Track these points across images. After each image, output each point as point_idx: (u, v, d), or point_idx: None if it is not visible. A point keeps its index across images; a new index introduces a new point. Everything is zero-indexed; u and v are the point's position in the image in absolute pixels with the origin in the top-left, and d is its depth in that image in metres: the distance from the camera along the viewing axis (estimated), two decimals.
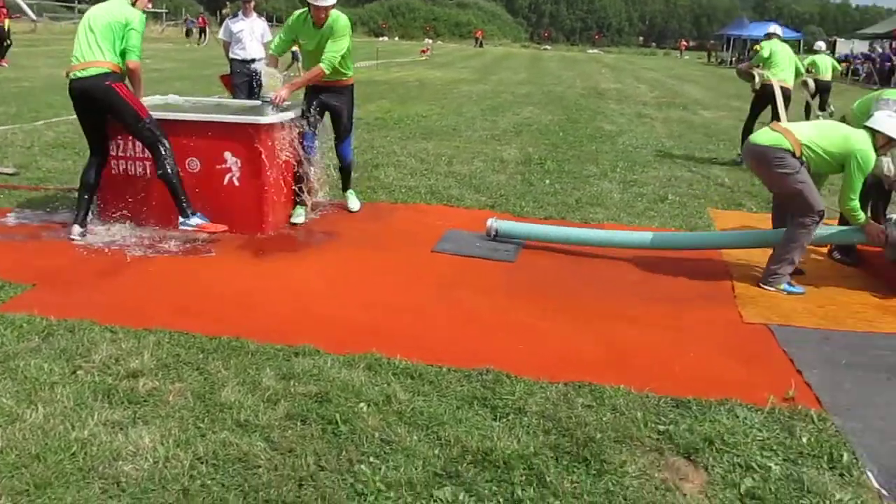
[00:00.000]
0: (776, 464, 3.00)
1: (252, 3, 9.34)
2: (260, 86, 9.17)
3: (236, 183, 5.71)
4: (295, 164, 6.15)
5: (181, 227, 5.46)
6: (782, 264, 5.11)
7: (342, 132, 6.41)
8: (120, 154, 5.72)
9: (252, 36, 8.99)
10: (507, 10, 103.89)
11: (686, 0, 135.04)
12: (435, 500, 2.68)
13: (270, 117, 5.73)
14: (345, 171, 6.66)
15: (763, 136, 5.25)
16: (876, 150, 4.98)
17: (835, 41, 56.09)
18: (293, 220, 6.16)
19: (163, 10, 54.95)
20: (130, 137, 5.56)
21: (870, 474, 2.98)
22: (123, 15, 5.31)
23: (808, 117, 13.71)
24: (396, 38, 69.23)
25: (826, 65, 14.44)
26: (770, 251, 5.31)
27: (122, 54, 5.30)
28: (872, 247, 5.43)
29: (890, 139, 4.98)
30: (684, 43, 76.04)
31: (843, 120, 5.85)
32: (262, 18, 9.54)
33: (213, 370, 3.53)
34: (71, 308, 4.18)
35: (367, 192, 7.29)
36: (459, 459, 2.91)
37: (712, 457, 3.03)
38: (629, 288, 5.10)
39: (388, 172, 8.22)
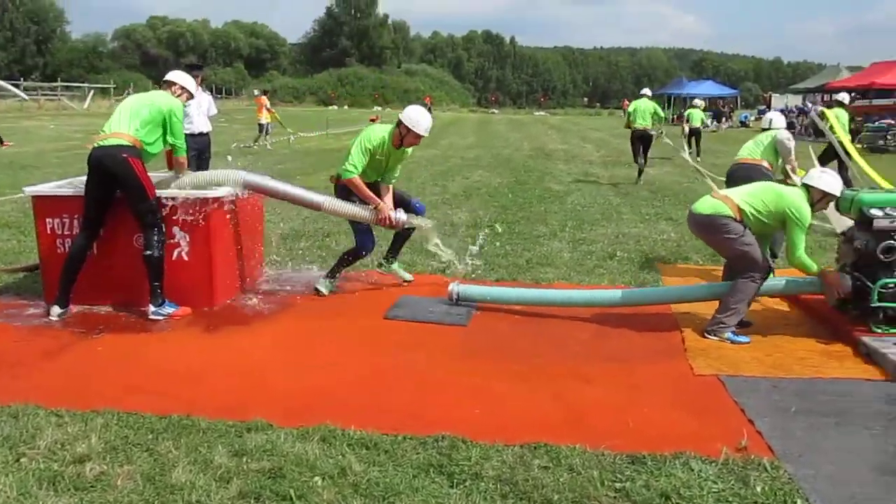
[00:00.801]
0: None
1: (199, 78, 9.40)
2: (208, 159, 9.27)
3: (185, 258, 5.68)
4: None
5: (152, 316, 5.45)
6: (728, 314, 5.23)
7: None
8: (66, 232, 5.67)
9: (199, 110, 9.04)
10: (454, 75, 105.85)
11: (627, 61, 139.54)
12: None
13: (219, 191, 5.73)
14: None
15: (704, 204, 5.44)
16: (812, 205, 5.19)
17: (770, 96, 58.30)
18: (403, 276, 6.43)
19: (111, 86, 55.22)
20: (75, 216, 5.52)
21: None
22: (166, 102, 5.62)
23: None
24: (346, 107, 69.90)
25: (697, 116, 19.97)
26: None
27: (151, 134, 5.47)
28: (821, 293, 5.59)
29: (824, 194, 5.19)
30: (626, 102, 78.13)
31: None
32: (208, 92, 9.61)
33: (163, 450, 3.45)
34: (14, 392, 4.08)
35: (319, 260, 7.29)
36: None
37: None
38: (582, 346, 5.15)
39: (338, 240, 8.24)
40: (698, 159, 16.94)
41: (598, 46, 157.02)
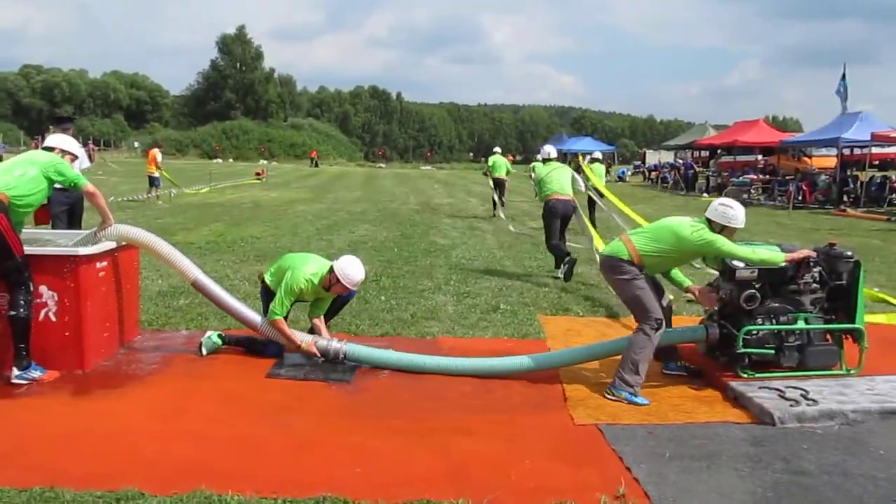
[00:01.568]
0: None
1: (70, 130, 9.07)
2: (80, 214, 8.90)
3: (53, 318, 5.41)
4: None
5: (16, 380, 5.15)
6: (626, 372, 5.28)
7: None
8: None
9: (77, 160, 8.68)
10: (341, 130, 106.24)
11: (510, 117, 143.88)
12: None
13: (89, 248, 5.51)
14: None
15: (608, 247, 5.70)
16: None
17: (644, 152, 61.28)
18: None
19: None
20: None
21: None
22: (46, 156, 5.56)
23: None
24: (231, 160, 68.85)
25: (500, 165, 19.38)
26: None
27: (24, 189, 5.25)
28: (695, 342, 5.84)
29: (722, 226, 5.41)
30: (510, 157, 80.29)
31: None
32: (80, 145, 9.27)
33: None
34: None
35: (198, 318, 7.08)
36: None
37: None
38: (464, 399, 5.18)
39: None
40: (503, 207, 18.65)
41: (483, 103, 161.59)
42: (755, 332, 5.51)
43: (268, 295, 5.97)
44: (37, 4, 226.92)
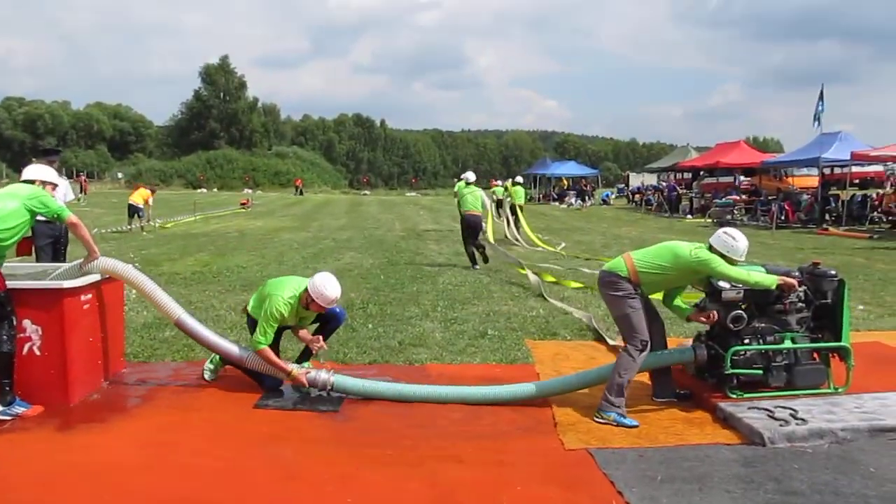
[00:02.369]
0: None
1: (56, 162, 9.06)
2: (65, 247, 8.86)
3: (37, 352, 5.36)
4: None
5: None
6: (612, 394, 5.28)
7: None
8: None
9: (57, 194, 8.66)
10: (325, 157, 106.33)
11: (494, 143, 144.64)
12: None
13: (73, 281, 5.47)
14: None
15: (609, 262, 5.75)
16: None
17: (628, 175, 61.67)
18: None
19: None
20: None
21: None
22: (27, 189, 5.52)
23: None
24: (215, 189, 68.75)
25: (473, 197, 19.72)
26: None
27: (4, 223, 5.19)
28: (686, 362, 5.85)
29: (722, 254, 5.43)
30: (495, 182, 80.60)
31: None
32: (64, 177, 9.26)
33: None
34: None
35: (184, 349, 7.03)
36: None
37: None
38: (453, 426, 5.15)
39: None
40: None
41: (467, 129, 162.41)
42: (743, 352, 5.53)
43: (254, 325, 5.94)
44: (19, 35, 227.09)
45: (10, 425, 5.03)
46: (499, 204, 23.41)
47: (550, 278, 11.91)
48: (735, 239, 5.45)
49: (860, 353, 5.91)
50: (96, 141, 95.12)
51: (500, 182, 25.90)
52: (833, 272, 5.80)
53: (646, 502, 3.94)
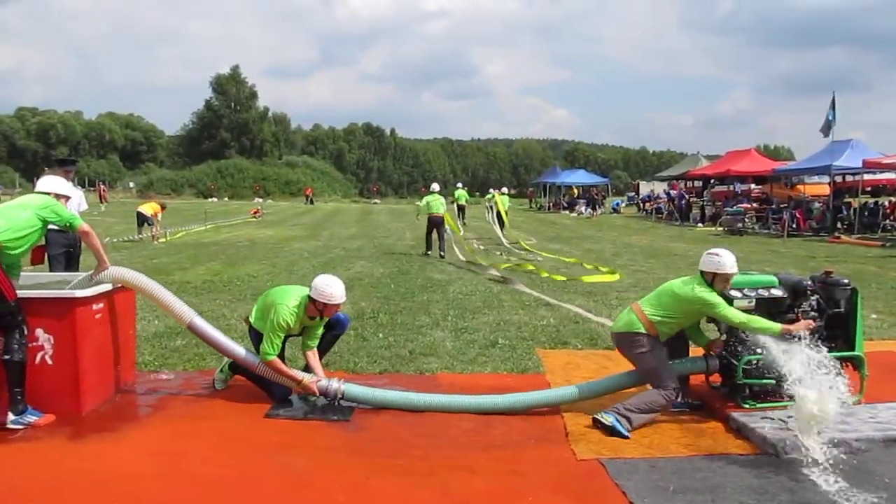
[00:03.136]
0: None
1: (72, 172, 9.13)
2: (78, 256, 8.90)
3: (49, 361, 5.38)
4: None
5: (11, 425, 5.10)
6: (631, 410, 5.25)
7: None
8: None
9: (71, 204, 8.69)
10: (336, 166, 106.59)
11: (503, 152, 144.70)
12: None
13: (85, 290, 5.49)
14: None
15: (620, 321, 5.66)
16: (710, 284, 5.44)
17: (638, 184, 61.54)
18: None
19: None
20: None
21: None
22: (39, 199, 5.59)
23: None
24: (226, 199, 69.01)
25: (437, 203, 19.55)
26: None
27: (15, 233, 5.23)
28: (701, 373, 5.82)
29: (714, 274, 5.44)
30: (504, 190, 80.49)
31: None
32: (78, 186, 9.31)
33: None
34: None
35: (195, 359, 7.05)
36: None
37: None
38: (464, 436, 5.13)
39: None
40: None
41: (476, 138, 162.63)
42: (755, 361, 5.50)
43: (258, 337, 5.93)
44: (32, 46, 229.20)
45: (22, 434, 5.05)
46: (490, 209, 27.23)
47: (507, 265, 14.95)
48: (719, 256, 5.46)
49: (874, 362, 5.87)
50: (108, 150, 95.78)
51: (493, 191, 31.12)
52: (846, 281, 5.76)
53: None
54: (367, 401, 5.70)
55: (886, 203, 27.29)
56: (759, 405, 5.48)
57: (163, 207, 22.79)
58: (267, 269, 14.37)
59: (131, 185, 73.77)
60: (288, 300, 5.76)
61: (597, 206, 45.73)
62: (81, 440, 5.00)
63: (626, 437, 5.10)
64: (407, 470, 4.49)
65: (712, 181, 37.88)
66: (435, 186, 19.29)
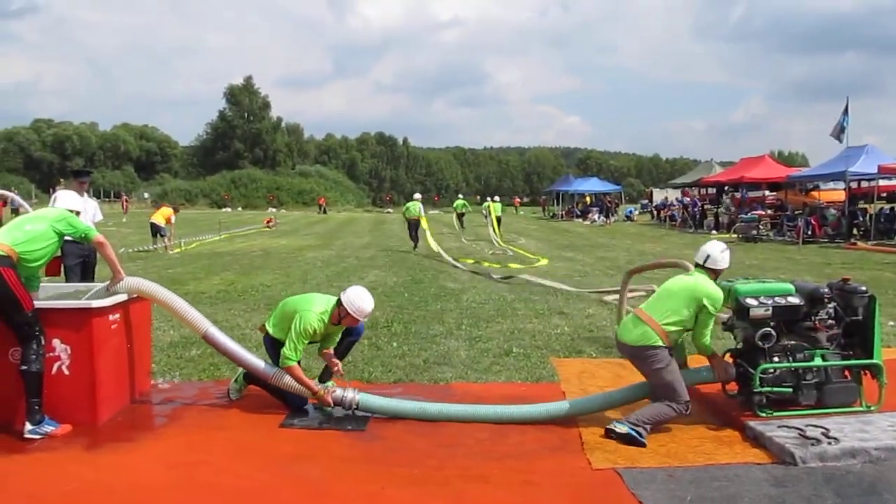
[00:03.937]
0: None
1: (87, 184, 9.20)
2: (93, 266, 8.95)
3: (66, 371, 5.40)
4: None
5: (28, 435, 5.13)
6: (642, 417, 5.24)
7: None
8: None
9: (86, 216, 8.77)
10: (348, 176, 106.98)
11: (516, 160, 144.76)
12: None
13: (101, 301, 5.52)
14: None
15: (633, 333, 5.51)
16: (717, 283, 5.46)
17: (651, 191, 61.39)
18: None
19: None
20: None
21: None
22: (54, 211, 5.78)
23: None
24: (240, 209, 69.37)
25: (413, 209, 23.24)
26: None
27: (32, 245, 5.34)
28: (717, 383, 5.79)
29: (716, 272, 5.51)
30: (517, 200, 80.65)
31: None
32: (93, 197, 9.39)
33: None
34: None
35: (210, 369, 7.07)
36: None
37: None
38: (479, 446, 5.11)
39: None
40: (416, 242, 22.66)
41: (489, 146, 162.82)
42: (772, 370, 5.46)
43: (273, 345, 5.94)
44: (48, 59, 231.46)
45: (39, 444, 5.07)
46: (486, 215, 31.24)
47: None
48: (727, 250, 5.72)
49: (893, 370, 5.82)
50: (123, 161, 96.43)
51: (489, 199, 34.39)
52: (863, 288, 5.72)
53: None
54: (382, 411, 5.70)
55: None
56: (776, 414, 5.43)
57: (175, 210, 22.82)
58: (281, 279, 14.40)
59: (146, 195, 74.28)
60: (313, 306, 5.75)
61: (610, 214, 45.63)
62: (98, 450, 5.01)
63: (644, 445, 5.07)
64: (422, 480, 4.48)
65: (726, 188, 37.72)
66: (416, 196, 23.83)
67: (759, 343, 5.49)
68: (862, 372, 5.67)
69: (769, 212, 30.92)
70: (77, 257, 8.64)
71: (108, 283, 5.86)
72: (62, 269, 8.09)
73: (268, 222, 38.50)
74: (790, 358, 5.55)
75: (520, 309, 10.74)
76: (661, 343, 5.37)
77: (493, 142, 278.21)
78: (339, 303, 5.74)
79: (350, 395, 5.70)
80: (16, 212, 22.51)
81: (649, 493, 4.27)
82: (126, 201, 53.61)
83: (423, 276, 15.16)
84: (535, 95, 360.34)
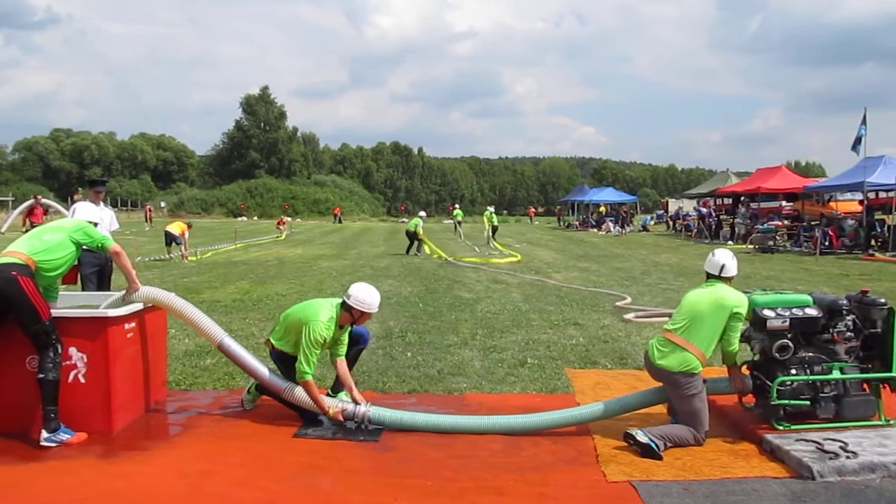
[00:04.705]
0: None
1: (103, 193, 9.26)
2: (110, 275, 9.00)
3: (82, 380, 5.43)
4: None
5: (44, 443, 5.16)
6: (664, 440, 5.18)
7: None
8: None
9: (101, 225, 8.83)
10: (363, 185, 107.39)
11: (531, 170, 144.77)
12: None
13: (118, 310, 5.55)
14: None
15: (671, 358, 5.41)
16: None
17: (667, 201, 61.18)
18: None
19: (9, 199, 54.12)
20: None
21: None
22: (71, 221, 5.95)
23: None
24: (255, 218, 69.72)
25: (412, 223, 25.48)
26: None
27: (50, 254, 5.41)
28: (734, 394, 5.75)
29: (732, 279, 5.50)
30: (532, 210, 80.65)
31: None
32: (109, 206, 9.45)
33: None
34: None
35: (225, 378, 7.08)
36: None
37: None
38: (493, 458, 5.09)
39: None
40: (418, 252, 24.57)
41: (504, 156, 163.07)
42: (789, 382, 5.41)
43: (280, 358, 5.93)
44: (69, 70, 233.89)
45: (55, 452, 5.09)
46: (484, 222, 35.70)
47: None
48: (713, 255, 5.72)
49: None
50: (140, 170, 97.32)
51: (488, 208, 39.30)
52: (882, 300, 5.66)
53: None
54: (393, 424, 5.68)
55: None
56: (793, 427, 5.38)
57: (189, 226, 23.08)
58: (296, 288, 14.43)
59: (162, 204, 74.83)
60: (318, 315, 5.72)
61: (625, 224, 45.46)
62: (113, 459, 5.03)
63: (660, 458, 5.03)
64: (436, 492, 4.46)
65: (743, 199, 37.51)
66: (421, 213, 29.26)
67: (777, 355, 5.45)
68: (881, 385, 5.61)
69: (786, 222, 30.72)
70: (93, 266, 8.69)
71: (123, 292, 5.90)
72: (79, 277, 8.15)
73: (279, 223, 39.30)
74: (808, 370, 5.50)
75: (534, 319, 10.71)
76: (700, 369, 5.34)
77: (509, 152, 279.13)
78: (345, 306, 5.76)
79: (362, 409, 5.68)
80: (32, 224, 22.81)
81: None
82: (150, 210, 53.66)
83: (437, 285, 15.15)
84: (550, 106, 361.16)
